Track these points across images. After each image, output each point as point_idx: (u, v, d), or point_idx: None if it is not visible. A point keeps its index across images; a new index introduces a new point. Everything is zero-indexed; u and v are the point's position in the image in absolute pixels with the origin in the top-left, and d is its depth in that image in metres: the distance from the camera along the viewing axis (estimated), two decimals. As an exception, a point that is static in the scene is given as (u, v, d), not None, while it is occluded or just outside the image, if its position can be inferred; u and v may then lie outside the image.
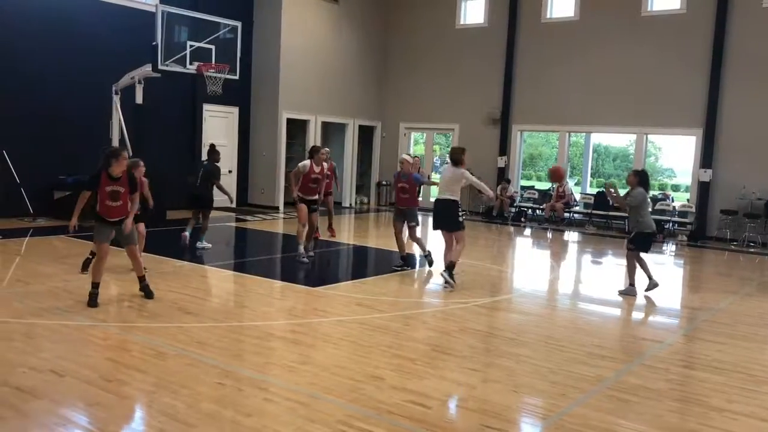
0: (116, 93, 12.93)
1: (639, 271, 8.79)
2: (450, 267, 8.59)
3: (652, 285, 8.72)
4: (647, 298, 8.65)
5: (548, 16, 17.17)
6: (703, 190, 15.10)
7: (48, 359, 5.15)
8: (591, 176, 20.59)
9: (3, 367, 4.91)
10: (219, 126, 16.62)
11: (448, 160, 9.18)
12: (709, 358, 6.09)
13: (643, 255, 8.82)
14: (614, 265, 12.12)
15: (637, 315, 8.11)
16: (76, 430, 4.00)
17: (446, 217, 8.82)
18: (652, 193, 18.55)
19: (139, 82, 12.50)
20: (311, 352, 5.65)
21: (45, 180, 13.02)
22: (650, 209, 9.12)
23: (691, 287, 10.30)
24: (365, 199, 19.82)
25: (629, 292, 8.70)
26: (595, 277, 11.08)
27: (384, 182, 19.92)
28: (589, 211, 16.52)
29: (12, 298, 6.94)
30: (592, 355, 5.94)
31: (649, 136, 16.60)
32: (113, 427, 4.16)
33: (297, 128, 17.80)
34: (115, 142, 13.01)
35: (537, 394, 4.97)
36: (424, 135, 20.28)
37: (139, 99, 12.56)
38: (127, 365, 5.13)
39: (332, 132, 18.96)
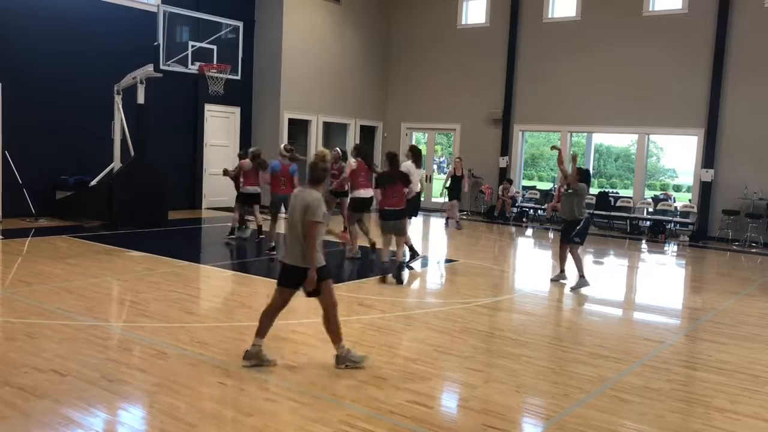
0: (118, 93, 12.96)
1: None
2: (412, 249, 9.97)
3: (582, 283, 8.88)
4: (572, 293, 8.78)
5: (550, 15, 17.16)
6: (705, 191, 15.08)
7: (50, 359, 5.15)
8: (592, 177, 20.56)
9: (5, 367, 4.92)
10: (220, 126, 16.63)
11: (413, 159, 9.98)
12: (712, 359, 6.08)
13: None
14: (616, 265, 12.12)
15: (638, 315, 8.10)
16: (78, 430, 4.00)
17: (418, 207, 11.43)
18: (653, 192, 18.60)
19: (141, 83, 12.51)
20: (313, 352, 5.65)
21: (47, 180, 13.04)
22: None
23: (693, 288, 10.28)
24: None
25: (583, 284, 8.85)
26: (597, 277, 11.06)
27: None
28: (591, 211, 16.49)
29: (14, 298, 6.94)
30: (593, 356, 5.93)
31: (650, 136, 16.57)
32: (115, 427, 4.17)
33: (298, 128, 17.79)
34: (117, 143, 13.05)
35: (539, 394, 4.97)
36: (426, 135, 20.27)
37: (141, 99, 12.57)
38: (128, 365, 5.14)
39: (334, 132, 18.95)
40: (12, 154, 12.47)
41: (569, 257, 9.11)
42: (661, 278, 11.00)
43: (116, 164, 12.99)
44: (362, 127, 19.23)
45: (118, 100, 12.95)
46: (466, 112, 18.35)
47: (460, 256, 11.34)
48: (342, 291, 8.21)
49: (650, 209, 16.12)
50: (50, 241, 10.62)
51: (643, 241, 14.76)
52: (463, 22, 18.57)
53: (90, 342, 5.66)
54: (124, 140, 13.05)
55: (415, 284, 9.22)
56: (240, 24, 13.24)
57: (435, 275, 9.81)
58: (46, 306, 6.71)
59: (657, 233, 15.08)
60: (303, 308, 7.32)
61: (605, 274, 11.30)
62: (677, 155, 31.40)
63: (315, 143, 17.59)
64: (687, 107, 15.20)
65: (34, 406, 4.27)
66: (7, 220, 12.17)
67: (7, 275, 8.24)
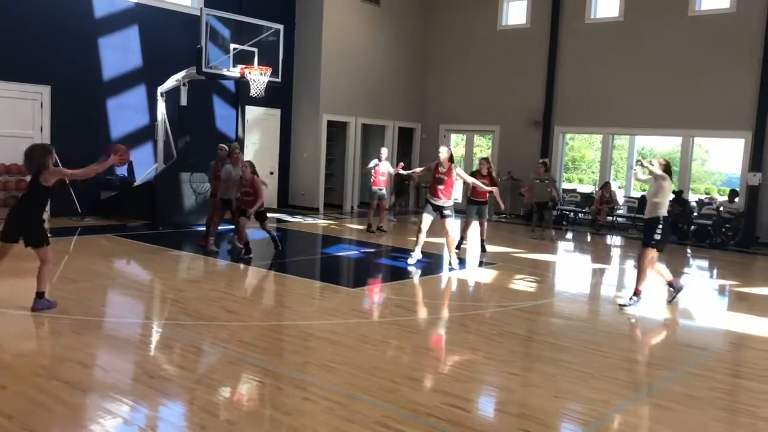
0: (161, 95, 13.23)
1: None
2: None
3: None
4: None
5: (592, 16, 16.91)
6: (752, 195, 14.67)
7: (94, 355, 5.29)
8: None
9: (53, 362, 5.07)
10: (261, 128, 16.83)
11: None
12: (757, 367, 5.92)
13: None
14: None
15: (680, 321, 7.92)
16: (121, 425, 4.10)
17: None
18: (698, 196, 18.17)
19: (184, 85, 12.75)
20: (350, 353, 5.67)
21: (92, 180, 13.33)
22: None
23: (737, 294, 10.01)
24: (403, 201, 19.81)
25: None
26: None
27: (423, 185, 19.85)
28: (633, 215, 16.21)
29: (61, 295, 7.14)
30: (634, 362, 5.83)
31: (695, 138, 16.20)
32: (156, 423, 4.26)
33: (337, 130, 17.90)
34: (160, 144, 13.35)
35: (578, 399, 4.90)
36: (465, 137, 20.18)
37: (183, 101, 12.81)
38: (169, 362, 5.24)
39: (372, 134, 19.01)
40: (60, 155, 12.78)
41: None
42: (704, 284, 10.74)
43: (159, 165, 13.26)
44: (400, 129, 19.24)
45: (161, 101, 13.22)
46: (506, 114, 18.19)
47: (498, 258, 11.25)
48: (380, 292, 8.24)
49: (695, 213, 15.73)
50: (95, 240, 10.90)
51: (687, 248, 14.43)
52: (504, 24, 18.44)
53: (133, 338, 5.79)
54: (166, 141, 13.32)
55: (453, 286, 9.19)
56: (281, 27, 13.38)
57: (473, 278, 9.75)
58: (91, 303, 6.88)
59: (702, 238, 14.71)
60: (342, 309, 7.37)
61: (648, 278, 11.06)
62: (722, 158, 30.61)
63: (354, 145, 17.68)
64: (734, 109, 14.81)
65: (79, 400, 4.39)
66: (54, 219, 12.52)
67: (54, 272, 8.48)
